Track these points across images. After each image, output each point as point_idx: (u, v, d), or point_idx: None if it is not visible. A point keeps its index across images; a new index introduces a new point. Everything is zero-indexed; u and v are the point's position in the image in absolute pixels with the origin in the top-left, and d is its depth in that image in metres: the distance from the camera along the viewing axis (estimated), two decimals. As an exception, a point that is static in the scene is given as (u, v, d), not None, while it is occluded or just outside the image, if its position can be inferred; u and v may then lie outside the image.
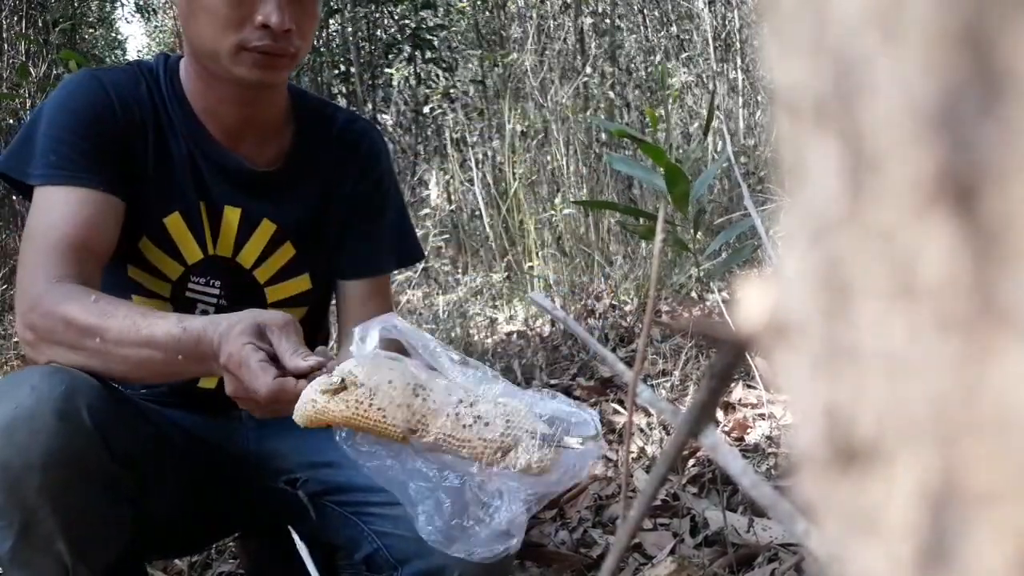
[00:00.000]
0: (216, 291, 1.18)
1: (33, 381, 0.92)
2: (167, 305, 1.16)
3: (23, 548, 0.91)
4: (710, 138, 3.75)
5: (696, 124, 4.89)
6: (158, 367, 0.95)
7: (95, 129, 1.07)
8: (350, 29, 5.25)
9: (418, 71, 5.29)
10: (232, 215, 1.17)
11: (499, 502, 0.81)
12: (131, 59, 1.13)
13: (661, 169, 2.28)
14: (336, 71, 5.39)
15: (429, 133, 5.55)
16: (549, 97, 4.24)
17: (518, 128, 4.03)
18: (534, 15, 5.59)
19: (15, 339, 2.83)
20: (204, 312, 1.17)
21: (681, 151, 4.03)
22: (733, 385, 2.05)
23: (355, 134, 1.26)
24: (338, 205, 1.24)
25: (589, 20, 5.51)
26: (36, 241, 1.02)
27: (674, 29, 5.94)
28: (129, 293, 1.15)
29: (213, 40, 1.06)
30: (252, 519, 1.24)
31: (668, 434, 1.86)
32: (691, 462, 1.70)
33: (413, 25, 5.12)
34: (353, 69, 5.11)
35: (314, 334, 1.27)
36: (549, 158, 4.07)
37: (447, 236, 4.30)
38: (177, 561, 1.54)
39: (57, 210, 1.03)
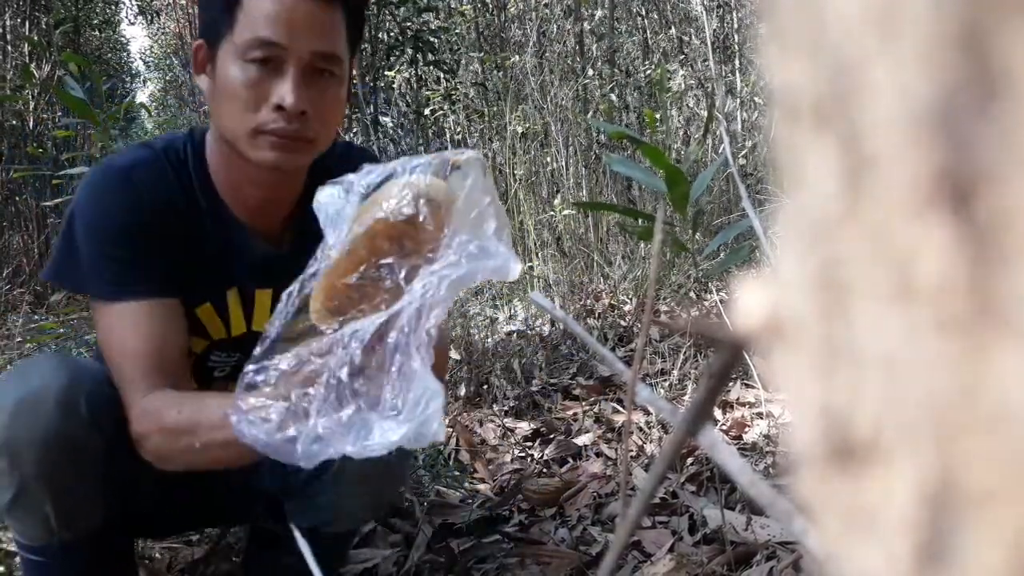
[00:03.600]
0: (235, 360, 1.24)
1: (41, 370, 1.06)
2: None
3: (17, 506, 1.07)
4: (709, 139, 3.75)
5: (695, 126, 4.89)
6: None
7: (137, 239, 1.08)
8: (350, 30, 5.25)
9: (419, 73, 5.29)
10: (264, 297, 1.21)
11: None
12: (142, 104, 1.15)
13: (660, 170, 2.29)
14: (337, 72, 5.39)
15: (430, 135, 5.55)
16: (549, 99, 4.23)
17: (518, 129, 4.03)
18: (535, 17, 5.58)
19: (17, 339, 2.84)
20: (221, 375, 1.24)
21: (680, 152, 4.03)
22: (731, 384, 2.05)
23: (345, 164, 1.26)
24: None
25: (588, 25, 5.52)
26: (119, 363, 1.07)
27: (673, 31, 5.94)
28: None
29: (233, 123, 1.06)
30: (242, 512, 1.34)
31: (667, 433, 1.86)
32: (689, 460, 1.70)
33: (415, 28, 5.11)
34: (355, 71, 5.12)
35: None
36: (549, 159, 4.07)
37: (447, 236, 4.28)
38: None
39: (128, 330, 1.06)
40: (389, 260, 0.85)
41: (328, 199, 0.88)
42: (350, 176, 0.88)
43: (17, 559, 1.25)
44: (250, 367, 0.86)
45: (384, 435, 0.79)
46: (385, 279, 0.85)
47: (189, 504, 1.26)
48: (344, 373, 0.82)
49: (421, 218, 0.83)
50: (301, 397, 0.84)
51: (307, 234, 1.18)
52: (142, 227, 1.08)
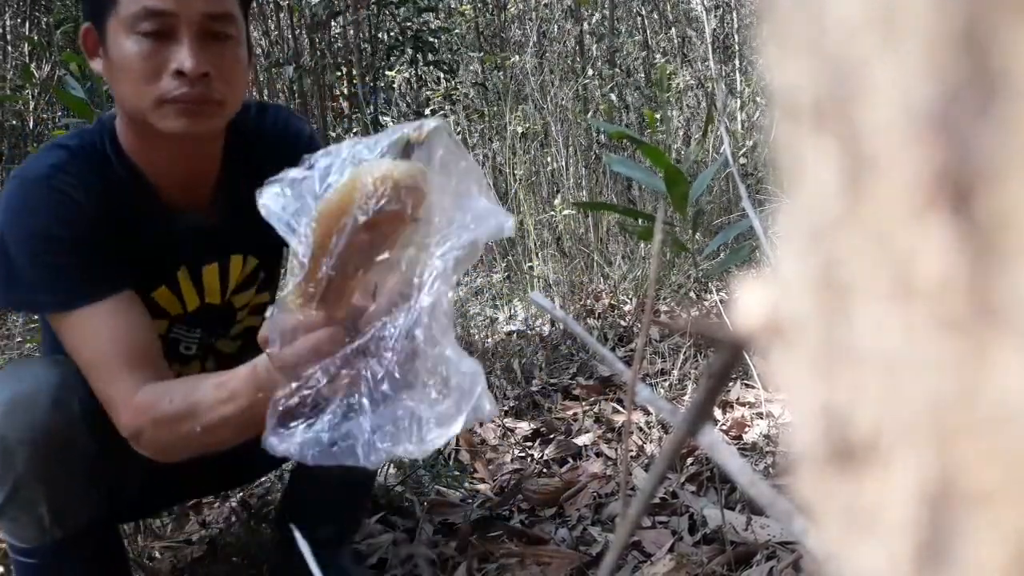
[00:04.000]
0: (197, 335, 1.25)
1: (35, 370, 1.09)
2: None
3: (11, 506, 1.07)
4: (709, 139, 3.75)
5: (695, 126, 4.89)
6: (246, 415, 0.97)
7: (77, 244, 1.06)
8: (352, 31, 5.25)
9: (419, 73, 5.29)
10: (211, 272, 1.21)
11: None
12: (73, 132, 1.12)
13: (660, 170, 2.28)
14: (338, 73, 5.40)
15: (429, 134, 5.53)
16: (549, 99, 4.23)
17: (518, 130, 4.03)
18: (535, 17, 5.58)
19: (17, 339, 2.84)
20: (187, 348, 1.25)
21: (680, 152, 4.03)
22: (731, 384, 2.05)
23: (268, 124, 1.23)
24: None
25: (587, 26, 5.52)
26: (96, 368, 1.05)
27: (673, 32, 5.94)
28: None
29: (134, 96, 1.04)
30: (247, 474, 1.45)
31: (667, 433, 1.86)
32: (689, 460, 1.70)
33: (415, 28, 5.11)
34: (355, 71, 5.11)
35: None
36: (549, 159, 4.07)
37: (447, 236, 4.26)
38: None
39: (97, 333, 1.05)
40: (386, 255, 0.83)
41: (274, 201, 0.84)
42: (292, 172, 0.85)
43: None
44: (280, 394, 0.86)
45: (442, 428, 0.80)
46: (388, 277, 0.84)
47: (187, 476, 1.26)
48: (387, 387, 0.82)
49: (408, 211, 0.81)
50: (345, 409, 0.84)
51: (238, 203, 1.15)
52: (79, 231, 1.05)
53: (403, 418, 0.81)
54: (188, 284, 1.20)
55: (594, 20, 5.54)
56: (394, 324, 0.81)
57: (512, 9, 5.78)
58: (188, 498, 1.51)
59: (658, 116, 3.75)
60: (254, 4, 1.16)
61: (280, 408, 0.85)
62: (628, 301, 2.97)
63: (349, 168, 0.82)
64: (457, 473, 1.81)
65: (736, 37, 5.47)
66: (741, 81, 5.22)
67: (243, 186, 1.11)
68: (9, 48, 5.54)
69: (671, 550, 1.39)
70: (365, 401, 0.83)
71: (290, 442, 0.84)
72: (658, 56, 5.87)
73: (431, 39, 5.10)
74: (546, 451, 1.94)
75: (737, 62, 5.32)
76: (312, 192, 0.84)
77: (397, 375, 0.81)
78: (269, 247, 1.24)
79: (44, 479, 1.06)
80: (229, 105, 1.07)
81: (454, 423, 0.79)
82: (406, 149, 0.82)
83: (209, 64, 1.02)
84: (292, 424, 0.85)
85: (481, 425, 2.13)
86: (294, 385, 0.85)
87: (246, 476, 1.50)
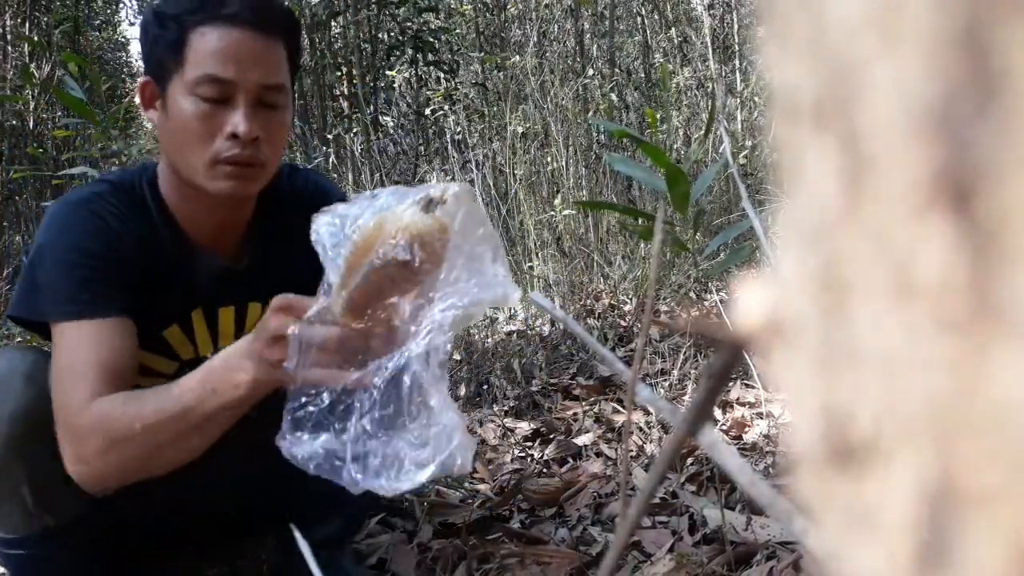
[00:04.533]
0: None
1: (7, 355, 1.14)
2: None
3: None
4: (710, 139, 3.74)
5: (695, 125, 4.88)
6: (192, 415, 0.99)
7: (102, 262, 1.11)
8: (352, 31, 5.25)
9: (420, 73, 5.29)
10: (227, 315, 1.25)
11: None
12: (109, 175, 1.22)
13: (661, 170, 2.28)
14: (338, 73, 5.40)
15: (430, 135, 5.54)
16: (549, 99, 4.23)
17: (518, 130, 4.03)
18: (535, 17, 5.59)
19: (18, 339, 2.83)
20: None
21: (681, 152, 4.03)
22: (731, 384, 2.05)
23: (299, 185, 1.30)
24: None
25: (588, 24, 5.52)
26: (66, 378, 1.06)
27: (673, 32, 5.94)
28: None
29: (189, 155, 1.11)
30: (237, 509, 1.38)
31: (667, 433, 1.86)
32: (689, 460, 1.70)
33: (415, 28, 5.12)
34: (355, 71, 5.12)
35: None
36: (549, 159, 4.07)
37: (447, 236, 4.26)
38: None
39: (81, 344, 1.07)
40: (393, 300, 0.88)
41: (327, 230, 0.90)
42: (341, 207, 0.91)
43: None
44: (292, 404, 0.91)
45: (415, 474, 0.85)
46: (391, 318, 0.89)
47: (183, 507, 1.26)
48: (366, 422, 0.87)
49: (417, 263, 0.86)
50: (338, 433, 0.89)
51: (263, 253, 1.24)
52: (106, 251, 1.11)
53: (389, 455, 0.87)
54: (202, 326, 1.23)
55: (595, 19, 5.54)
56: (384, 365, 0.87)
57: (512, 9, 5.78)
58: (191, 534, 1.42)
59: (659, 116, 3.75)
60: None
61: (290, 418, 0.91)
62: (628, 301, 2.97)
63: (378, 214, 0.88)
64: (457, 473, 1.81)
65: (736, 37, 5.47)
66: (741, 81, 5.22)
67: (269, 237, 1.19)
68: (9, 48, 5.55)
69: (671, 550, 1.39)
70: (352, 432, 0.88)
71: (299, 447, 0.90)
72: (658, 56, 5.87)
73: (431, 39, 5.10)
74: (546, 451, 1.94)
75: (737, 62, 5.32)
76: (351, 232, 0.90)
77: (377, 415, 0.86)
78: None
79: (24, 457, 1.08)
80: (270, 167, 1.15)
81: (425, 475, 0.84)
82: (429, 205, 0.86)
83: (260, 129, 1.10)
84: (299, 432, 0.90)
85: (481, 424, 2.13)
86: (303, 399, 0.90)
87: (250, 519, 1.45)
